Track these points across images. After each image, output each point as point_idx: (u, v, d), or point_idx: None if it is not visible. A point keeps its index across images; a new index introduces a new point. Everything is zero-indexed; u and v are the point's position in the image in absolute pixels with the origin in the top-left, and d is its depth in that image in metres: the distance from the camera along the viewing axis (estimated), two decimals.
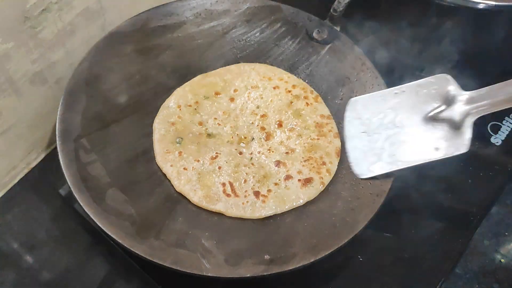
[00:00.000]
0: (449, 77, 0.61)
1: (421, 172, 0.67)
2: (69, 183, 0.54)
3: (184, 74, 0.68)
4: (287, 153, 0.62)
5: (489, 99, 0.57)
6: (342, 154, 0.63)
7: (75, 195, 0.54)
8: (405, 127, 0.60)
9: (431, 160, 0.58)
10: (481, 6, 0.66)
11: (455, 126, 0.58)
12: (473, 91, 0.59)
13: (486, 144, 0.71)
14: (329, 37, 0.69)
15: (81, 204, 0.53)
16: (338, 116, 0.66)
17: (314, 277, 0.59)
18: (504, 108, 0.58)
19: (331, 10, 0.68)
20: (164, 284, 0.58)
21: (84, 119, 0.60)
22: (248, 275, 0.52)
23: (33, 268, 0.59)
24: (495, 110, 0.58)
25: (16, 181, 0.65)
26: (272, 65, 0.70)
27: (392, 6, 0.75)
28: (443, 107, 0.59)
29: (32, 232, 0.61)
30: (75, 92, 0.61)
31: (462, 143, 0.57)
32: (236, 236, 0.56)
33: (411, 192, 0.65)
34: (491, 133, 0.72)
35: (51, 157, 0.67)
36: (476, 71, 0.77)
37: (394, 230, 0.64)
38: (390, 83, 0.66)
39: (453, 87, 0.60)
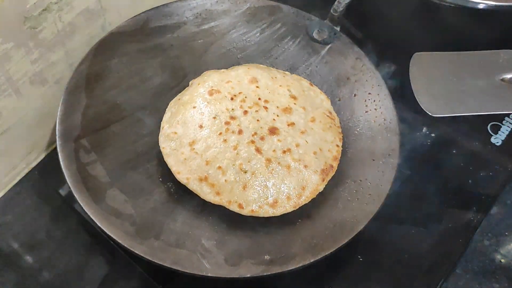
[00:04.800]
0: None
1: (421, 172, 0.67)
2: (69, 183, 0.54)
3: (184, 74, 0.68)
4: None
5: None
6: (343, 152, 0.63)
7: (75, 195, 0.54)
8: (478, 83, 0.63)
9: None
10: (481, 6, 0.66)
11: None
12: None
13: (486, 144, 0.71)
14: (329, 37, 0.69)
15: (81, 204, 0.53)
16: (338, 115, 0.66)
17: (314, 277, 0.59)
18: None
19: (331, 10, 0.68)
20: (164, 284, 0.58)
21: (84, 119, 0.60)
22: (248, 275, 0.52)
23: (33, 268, 0.59)
24: None
25: (16, 181, 0.65)
26: (272, 65, 0.70)
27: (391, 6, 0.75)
28: None
29: (32, 232, 0.61)
30: (75, 92, 0.61)
31: None
32: (236, 236, 0.56)
33: (411, 192, 0.65)
34: (491, 133, 0.72)
35: (51, 157, 0.67)
36: None
37: (394, 230, 0.64)
38: (388, 83, 0.66)
39: None
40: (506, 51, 0.68)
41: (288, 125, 0.61)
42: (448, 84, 0.63)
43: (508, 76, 0.63)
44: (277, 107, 0.62)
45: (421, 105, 0.60)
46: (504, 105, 0.62)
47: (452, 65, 0.64)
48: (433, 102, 0.60)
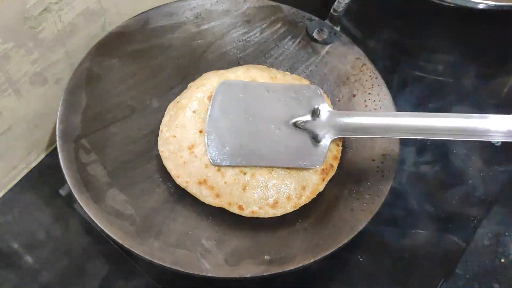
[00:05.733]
0: (320, 90, 0.62)
1: (421, 172, 0.67)
2: (69, 183, 0.54)
3: (184, 74, 0.68)
4: None
5: (352, 123, 0.58)
6: (343, 152, 0.62)
7: (75, 195, 0.54)
8: (270, 125, 0.59)
9: (285, 166, 0.58)
10: (481, 6, 0.66)
11: (316, 140, 0.58)
12: (340, 111, 0.61)
13: (486, 144, 0.70)
14: (329, 37, 0.69)
15: (81, 204, 0.53)
16: None
17: (314, 277, 0.59)
18: (365, 136, 0.60)
19: (331, 10, 0.68)
20: (164, 284, 0.58)
21: (84, 119, 0.60)
22: (248, 275, 0.52)
23: (33, 268, 0.59)
24: (357, 136, 0.60)
25: (16, 181, 0.65)
26: (272, 65, 0.70)
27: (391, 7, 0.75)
28: (308, 118, 0.60)
29: (32, 232, 0.61)
30: (75, 92, 0.61)
31: (317, 159, 0.58)
32: (236, 236, 0.56)
33: (411, 192, 0.65)
34: None
35: (51, 157, 0.67)
36: (473, 68, 0.77)
37: (394, 230, 0.64)
38: (389, 83, 0.66)
39: (321, 102, 0.60)
40: (310, 86, 0.64)
41: None
42: (241, 124, 0.59)
43: (301, 119, 0.60)
44: None
45: (207, 149, 0.57)
46: (285, 159, 0.58)
47: (254, 100, 0.61)
48: (219, 148, 0.58)
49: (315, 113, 0.59)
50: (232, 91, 0.62)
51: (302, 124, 0.59)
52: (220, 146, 0.58)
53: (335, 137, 0.58)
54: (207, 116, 0.60)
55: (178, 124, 0.61)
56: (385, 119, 0.57)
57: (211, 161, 0.57)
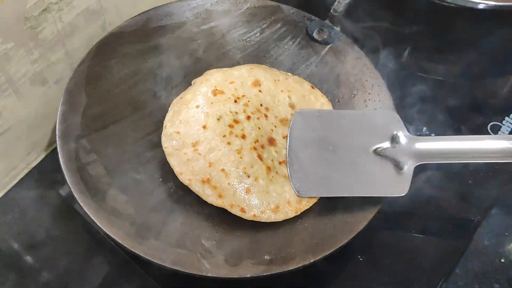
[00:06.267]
0: (397, 116, 0.60)
1: (421, 172, 0.67)
2: (69, 183, 0.54)
3: (183, 74, 0.68)
4: None
5: (431, 149, 0.57)
6: None
7: (75, 195, 0.54)
8: (351, 154, 0.59)
9: (369, 196, 0.57)
10: (481, 6, 0.66)
11: (398, 167, 0.57)
12: (418, 137, 0.59)
13: None
14: (329, 37, 0.69)
15: (81, 204, 0.53)
16: None
17: (314, 277, 0.59)
18: (447, 162, 0.58)
19: (331, 11, 0.68)
20: (164, 284, 0.58)
21: (84, 119, 0.60)
22: (248, 275, 0.52)
23: (33, 268, 0.59)
24: (439, 162, 0.59)
25: (16, 181, 0.65)
26: (272, 65, 0.70)
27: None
28: (387, 145, 0.58)
29: (32, 232, 0.61)
30: (75, 92, 0.61)
31: (402, 187, 0.56)
32: (236, 236, 0.56)
33: (411, 192, 0.65)
34: (491, 133, 0.72)
35: (51, 157, 0.67)
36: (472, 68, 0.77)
37: (394, 230, 0.64)
38: (389, 83, 0.66)
39: (399, 127, 0.59)
40: (386, 111, 0.62)
41: (283, 137, 0.62)
42: (322, 154, 0.59)
43: (381, 146, 0.58)
44: (275, 116, 0.63)
45: (291, 180, 0.58)
46: (369, 188, 0.57)
47: (331, 128, 0.61)
48: (303, 179, 0.58)
49: (394, 139, 0.58)
50: (308, 121, 0.62)
51: (383, 151, 0.58)
52: (303, 177, 0.58)
53: (418, 164, 0.56)
54: (287, 147, 0.60)
55: (182, 120, 0.60)
56: (466, 143, 0.56)
57: (296, 193, 0.58)
